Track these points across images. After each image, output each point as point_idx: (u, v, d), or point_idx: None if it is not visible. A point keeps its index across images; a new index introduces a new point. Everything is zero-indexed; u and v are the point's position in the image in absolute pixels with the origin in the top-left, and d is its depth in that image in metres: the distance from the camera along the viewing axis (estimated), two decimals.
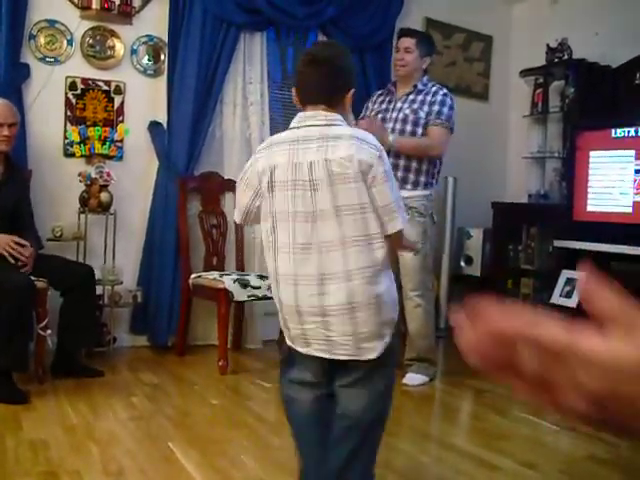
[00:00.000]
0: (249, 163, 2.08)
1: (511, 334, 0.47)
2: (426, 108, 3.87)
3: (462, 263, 5.45)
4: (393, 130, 3.85)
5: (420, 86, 3.95)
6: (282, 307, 2.01)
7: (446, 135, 3.90)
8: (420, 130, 3.86)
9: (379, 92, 4.21)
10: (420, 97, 3.92)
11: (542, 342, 0.46)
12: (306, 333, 1.96)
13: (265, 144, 2.11)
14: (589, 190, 4.49)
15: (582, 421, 0.48)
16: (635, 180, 4.23)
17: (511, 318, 0.48)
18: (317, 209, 1.91)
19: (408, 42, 3.95)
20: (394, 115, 3.92)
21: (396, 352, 2.14)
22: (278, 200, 1.96)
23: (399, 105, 3.94)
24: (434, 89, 3.94)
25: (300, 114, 2.05)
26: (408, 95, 3.95)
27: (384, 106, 4.02)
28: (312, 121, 2.00)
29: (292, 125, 2.06)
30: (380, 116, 3.97)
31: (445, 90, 3.98)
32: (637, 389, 0.44)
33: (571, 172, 4.65)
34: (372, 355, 1.93)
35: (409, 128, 3.87)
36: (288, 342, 2.07)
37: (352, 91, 2.09)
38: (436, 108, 3.86)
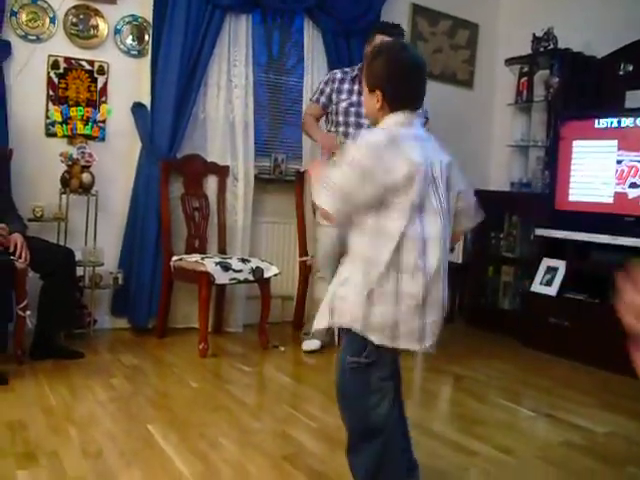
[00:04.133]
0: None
1: None
2: None
3: None
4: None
5: None
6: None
7: None
8: None
9: (340, 73, 4.26)
10: None
11: None
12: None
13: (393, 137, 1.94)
14: (571, 179, 4.52)
15: None
16: (617, 170, 4.26)
17: None
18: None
19: None
20: None
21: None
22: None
23: None
24: None
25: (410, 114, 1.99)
26: None
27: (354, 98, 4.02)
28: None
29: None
30: (354, 109, 4.02)
31: None
32: None
33: (554, 161, 4.67)
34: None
35: None
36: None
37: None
38: None
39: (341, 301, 1.89)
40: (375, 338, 1.85)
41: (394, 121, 1.97)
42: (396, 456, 1.97)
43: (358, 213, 1.88)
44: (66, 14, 4.17)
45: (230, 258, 4.09)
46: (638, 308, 0.60)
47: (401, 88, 1.98)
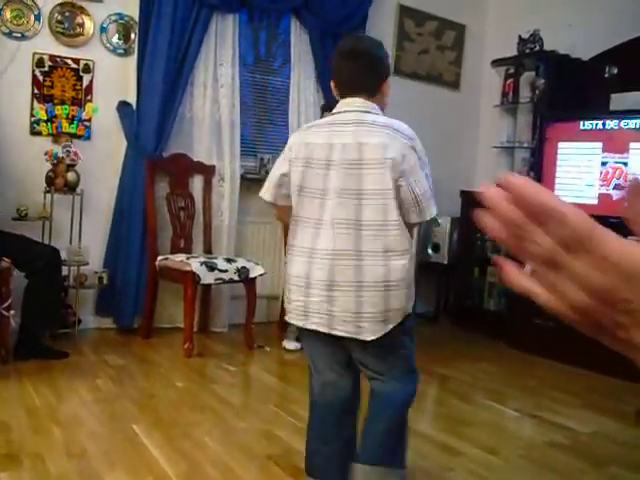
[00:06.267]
0: (290, 140, 2.16)
1: (539, 204, 0.46)
2: None
3: (429, 250, 5.49)
4: None
5: None
6: (290, 279, 2.07)
7: None
8: None
9: None
10: None
11: (569, 221, 0.45)
12: (308, 306, 2.02)
13: (305, 126, 2.24)
14: (556, 181, 4.55)
15: (569, 314, 0.47)
16: (601, 172, 4.29)
17: (544, 192, 0.46)
18: (343, 188, 1.99)
19: None
20: None
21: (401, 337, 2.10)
22: (309, 176, 2.04)
23: None
24: None
25: (340, 102, 2.12)
26: None
27: None
28: (349, 107, 2.08)
29: (333, 111, 2.13)
30: None
31: None
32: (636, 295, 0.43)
33: (539, 162, 4.70)
34: (370, 337, 1.96)
35: None
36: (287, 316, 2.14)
37: (389, 79, 2.17)
38: None
39: None
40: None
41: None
42: None
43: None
44: (51, 12, 4.14)
45: (215, 258, 4.08)
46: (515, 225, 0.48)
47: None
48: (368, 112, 2.07)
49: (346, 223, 1.98)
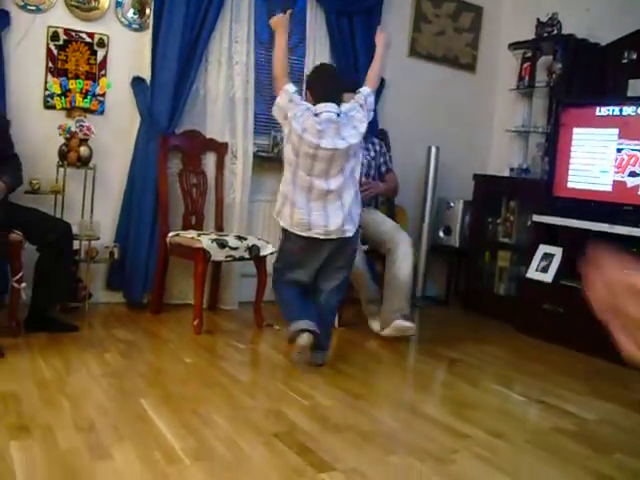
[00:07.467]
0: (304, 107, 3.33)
1: (615, 282, 0.60)
2: None
3: (441, 233, 5.47)
4: None
5: None
6: None
7: None
8: None
9: None
10: None
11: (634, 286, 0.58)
12: None
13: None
14: (570, 167, 4.51)
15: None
16: (616, 159, 4.25)
17: (617, 270, 0.61)
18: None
19: None
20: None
21: None
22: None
23: None
24: None
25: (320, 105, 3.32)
26: None
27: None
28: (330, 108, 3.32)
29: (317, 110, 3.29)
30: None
31: None
32: None
33: (554, 148, 4.66)
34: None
35: None
36: None
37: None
38: None
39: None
40: None
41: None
42: None
43: None
44: None
45: (226, 235, 4.08)
46: (608, 303, 0.60)
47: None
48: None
49: None
